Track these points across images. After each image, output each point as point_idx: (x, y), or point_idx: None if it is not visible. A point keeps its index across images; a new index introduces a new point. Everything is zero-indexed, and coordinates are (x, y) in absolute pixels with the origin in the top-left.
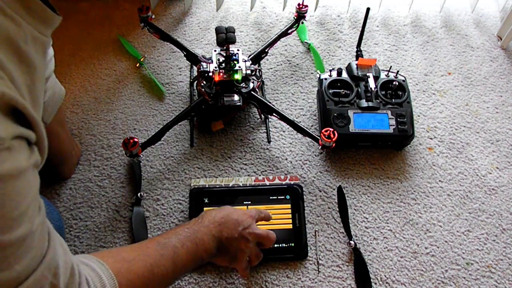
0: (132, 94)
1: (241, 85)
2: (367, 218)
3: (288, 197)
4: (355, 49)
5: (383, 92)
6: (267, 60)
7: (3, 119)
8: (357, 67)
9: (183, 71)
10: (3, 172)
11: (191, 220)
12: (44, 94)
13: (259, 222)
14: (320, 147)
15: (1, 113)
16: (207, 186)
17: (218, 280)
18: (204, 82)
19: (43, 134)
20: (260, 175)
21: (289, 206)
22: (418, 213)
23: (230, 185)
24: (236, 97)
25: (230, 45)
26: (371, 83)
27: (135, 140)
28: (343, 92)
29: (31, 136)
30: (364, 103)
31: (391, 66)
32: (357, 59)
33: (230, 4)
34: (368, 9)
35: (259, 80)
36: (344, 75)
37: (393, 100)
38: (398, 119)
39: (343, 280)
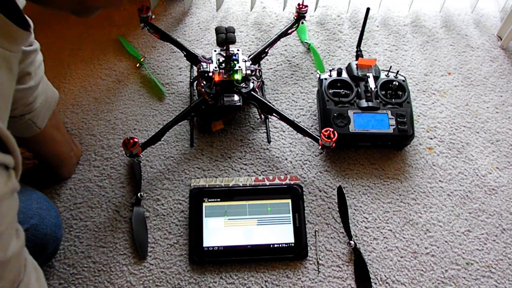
0: (132, 94)
1: (241, 85)
2: (367, 218)
3: (288, 197)
4: (355, 49)
5: (383, 92)
6: (267, 60)
7: None
8: (357, 67)
9: (183, 71)
10: None
11: None
12: (35, 100)
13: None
14: (320, 147)
15: None
16: (207, 186)
17: (218, 280)
18: (204, 82)
19: (20, 158)
20: (260, 175)
21: (289, 206)
22: (418, 213)
23: (230, 185)
24: (236, 97)
25: (230, 45)
26: (371, 83)
27: (135, 140)
28: (343, 92)
29: (9, 161)
30: (364, 103)
31: (391, 66)
32: (357, 59)
33: (230, 4)
34: (368, 9)
35: (259, 80)
36: (344, 75)
37: (393, 100)
38: (398, 119)
39: (343, 280)
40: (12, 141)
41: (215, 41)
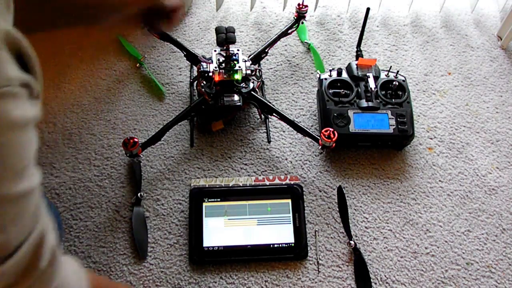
0: (132, 94)
1: (241, 85)
2: (367, 218)
3: (288, 197)
4: (355, 49)
5: (383, 92)
6: (267, 60)
7: (11, 60)
8: (357, 67)
9: (183, 71)
10: (11, 119)
11: None
12: None
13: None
14: (320, 147)
15: (9, 54)
16: (207, 186)
17: (218, 280)
18: (204, 82)
19: (42, 82)
20: (260, 175)
21: (289, 206)
22: (418, 213)
23: (230, 185)
24: (236, 97)
25: (230, 45)
26: (371, 83)
27: (135, 140)
28: (343, 92)
29: (33, 83)
30: (364, 103)
31: (391, 66)
32: (357, 59)
33: (230, 4)
34: (368, 9)
35: (259, 80)
36: (344, 75)
37: (393, 100)
38: (398, 119)
39: (343, 280)
40: (35, 59)
41: (215, 41)
